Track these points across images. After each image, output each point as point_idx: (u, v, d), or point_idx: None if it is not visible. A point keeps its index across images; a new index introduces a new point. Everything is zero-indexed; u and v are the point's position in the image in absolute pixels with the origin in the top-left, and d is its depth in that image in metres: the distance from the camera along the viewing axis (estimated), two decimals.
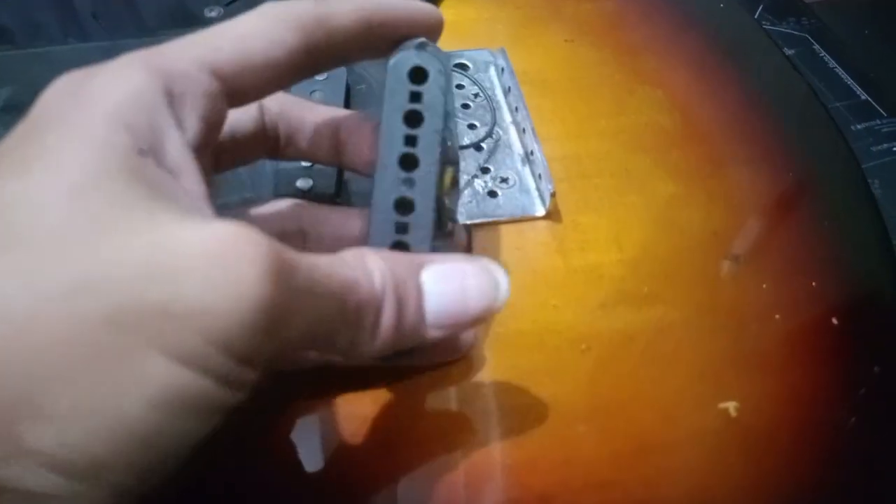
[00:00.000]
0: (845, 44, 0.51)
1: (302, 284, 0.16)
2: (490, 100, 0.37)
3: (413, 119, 0.20)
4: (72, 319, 0.13)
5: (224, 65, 0.18)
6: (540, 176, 0.33)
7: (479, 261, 0.21)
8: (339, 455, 0.25)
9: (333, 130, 0.25)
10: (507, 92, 0.38)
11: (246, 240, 0.15)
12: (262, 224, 0.17)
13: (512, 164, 0.35)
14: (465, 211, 0.32)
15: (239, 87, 0.19)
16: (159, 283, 0.14)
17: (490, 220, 0.32)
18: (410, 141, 0.20)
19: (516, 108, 0.36)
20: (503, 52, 0.39)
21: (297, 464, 0.25)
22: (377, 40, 0.21)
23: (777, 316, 0.30)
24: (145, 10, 0.41)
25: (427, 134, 0.19)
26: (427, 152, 0.19)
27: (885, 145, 0.44)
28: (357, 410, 0.26)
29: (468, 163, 0.34)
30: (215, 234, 0.15)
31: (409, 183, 0.19)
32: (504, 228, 0.32)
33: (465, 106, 0.37)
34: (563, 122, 0.37)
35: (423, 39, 0.21)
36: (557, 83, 0.39)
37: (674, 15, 0.45)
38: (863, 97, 0.47)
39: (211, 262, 0.14)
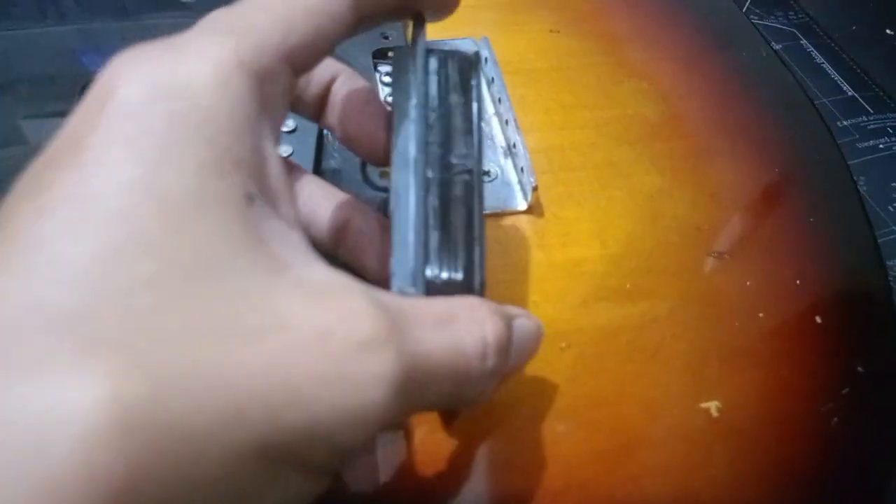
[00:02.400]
0: (833, 39, 0.51)
1: (422, 377, 0.15)
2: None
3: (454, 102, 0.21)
4: (226, 454, 0.11)
5: (297, 50, 0.16)
6: (522, 169, 0.32)
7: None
8: None
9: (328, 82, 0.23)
10: (490, 82, 0.37)
11: (369, 330, 0.13)
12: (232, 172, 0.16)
13: (494, 156, 0.34)
14: None
15: (303, 68, 0.17)
16: (296, 402, 0.12)
17: None
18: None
19: (499, 100, 0.35)
20: (486, 41, 0.38)
21: None
22: (408, 4, 0.20)
23: (761, 314, 0.29)
24: None
25: (466, 113, 0.21)
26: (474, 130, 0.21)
27: (871, 142, 0.44)
28: None
29: None
30: (334, 316, 0.13)
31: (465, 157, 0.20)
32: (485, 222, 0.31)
33: None
34: (547, 113, 0.37)
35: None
36: (542, 73, 0.39)
37: (661, 6, 0.45)
38: (849, 93, 0.47)
39: (333, 366, 0.13)
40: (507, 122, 0.34)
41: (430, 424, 0.25)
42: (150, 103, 0.14)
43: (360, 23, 0.18)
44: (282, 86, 0.16)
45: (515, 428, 0.26)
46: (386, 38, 0.38)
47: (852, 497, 0.26)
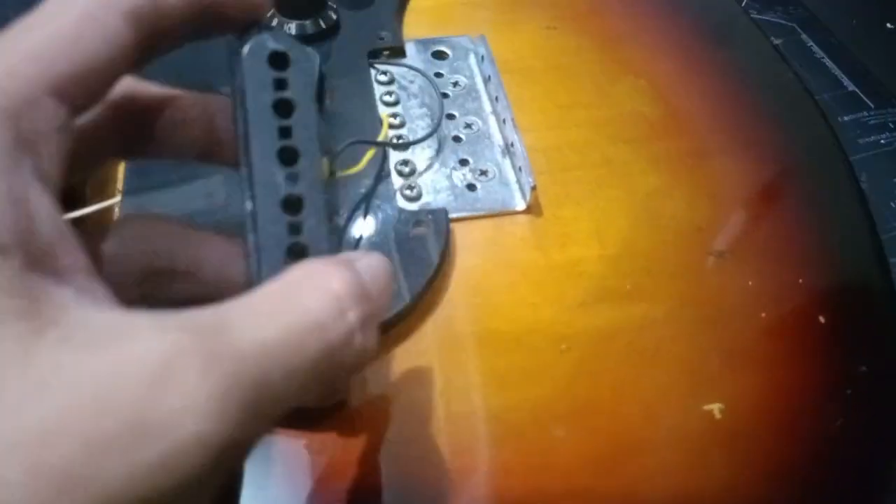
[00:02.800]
0: (833, 33, 0.50)
1: (265, 373, 0.13)
2: (470, 89, 0.36)
3: (284, 108, 0.17)
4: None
5: (65, 80, 0.14)
6: (520, 168, 0.32)
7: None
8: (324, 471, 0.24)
9: (208, 117, 0.19)
10: (486, 81, 0.36)
11: (157, 362, 0.12)
12: (125, 261, 0.14)
13: (492, 155, 0.33)
14: (443, 205, 0.31)
15: (80, 101, 0.15)
16: (92, 476, 0.11)
17: (468, 214, 0.31)
18: (285, 133, 0.17)
19: (496, 98, 0.35)
20: (483, 39, 0.37)
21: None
22: (207, 19, 0.17)
23: (763, 314, 0.29)
24: None
25: (302, 122, 0.17)
26: (307, 143, 0.17)
27: (873, 137, 0.43)
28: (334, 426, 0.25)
29: (446, 154, 0.33)
30: (112, 360, 0.12)
31: (293, 178, 0.17)
32: (482, 223, 0.31)
33: (445, 95, 0.36)
34: (544, 111, 0.36)
35: (270, 24, 0.19)
36: (539, 72, 0.38)
37: (659, 3, 0.44)
38: (850, 88, 0.46)
39: (125, 419, 0.11)
40: (504, 120, 0.34)
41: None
42: None
43: (147, 44, 0.16)
44: (49, 122, 0.14)
45: (515, 431, 0.25)
46: (381, 38, 0.37)
47: (855, 497, 0.26)
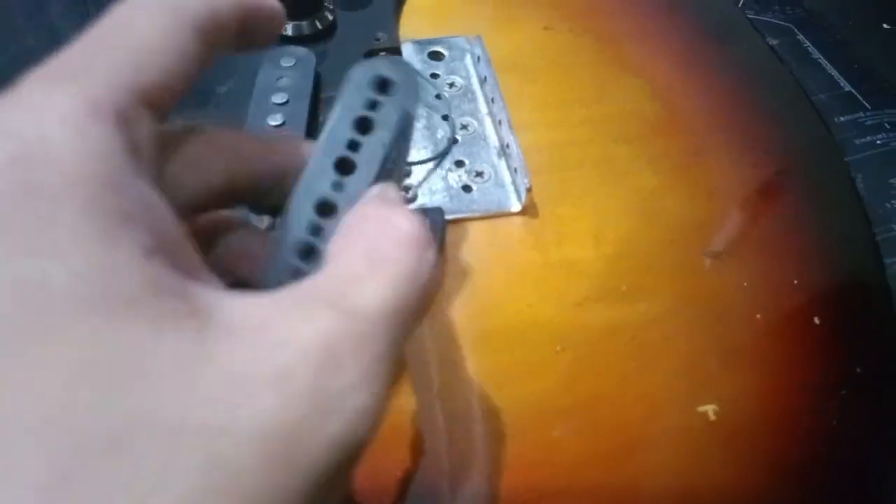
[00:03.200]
0: (830, 34, 0.50)
1: (395, 322, 0.14)
2: (466, 90, 0.36)
3: (363, 125, 0.18)
4: None
5: (152, 89, 0.14)
6: (516, 170, 0.32)
7: None
8: None
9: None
10: (483, 81, 0.36)
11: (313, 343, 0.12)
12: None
13: (487, 156, 0.33)
14: (439, 206, 0.31)
15: (160, 109, 0.15)
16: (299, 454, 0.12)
17: (464, 215, 0.31)
18: (353, 146, 0.18)
19: (492, 99, 0.35)
20: (480, 39, 0.37)
21: None
22: (250, 31, 0.17)
23: (758, 315, 0.29)
24: None
25: (373, 144, 0.18)
26: (367, 162, 0.18)
27: (869, 138, 0.43)
28: None
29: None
30: (307, 346, 0.12)
31: (338, 187, 0.18)
32: (478, 224, 0.31)
33: (438, 97, 0.36)
34: (541, 111, 0.36)
35: (395, 57, 0.20)
36: (536, 71, 0.38)
37: (657, 2, 0.44)
38: (846, 89, 0.46)
39: (301, 407, 0.12)
40: (500, 122, 0.34)
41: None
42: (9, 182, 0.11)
43: (209, 55, 0.16)
44: (146, 131, 0.14)
45: (516, 429, 0.25)
46: (378, 39, 0.37)
47: (851, 499, 0.26)
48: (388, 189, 0.17)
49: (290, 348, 0.12)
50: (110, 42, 0.15)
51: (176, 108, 0.16)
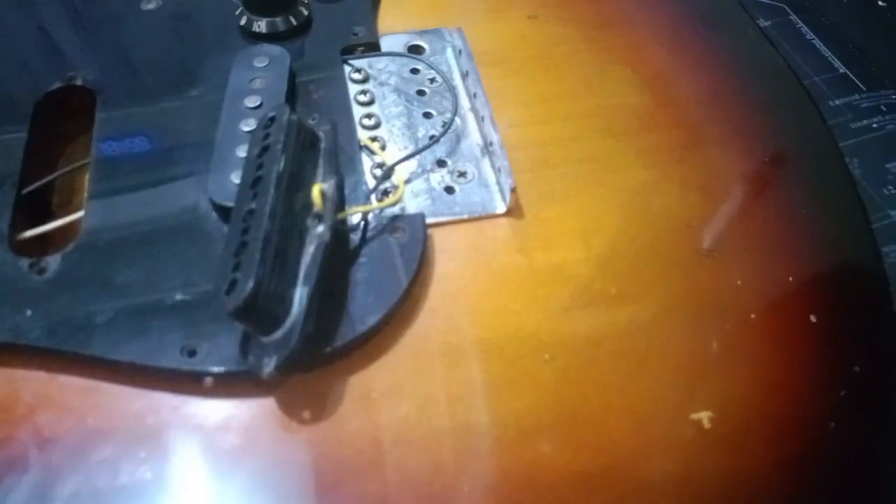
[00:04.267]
0: (824, 14, 0.49)
1: None
2: (447, 85, 0.34)
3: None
4: None
5: None
6: (500, 169, 0.31)
7: None
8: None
9: None
10: (464, 76, 0.35)
11: None
12: None
13: (470, 155, 0.32)
14: (421, 209, 0.30)
15: None
16: None
17: (447, 219, 0.30)
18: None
19: (475, 94, 0.34)
20: (460, 32, 0.36)
21: None
22: None
23: (752, 315, 0.28)
24: None
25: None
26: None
27: (865, 121, 0.42)
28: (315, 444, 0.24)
29: (423, 155, 0.32)
30: None
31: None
32: (462, 227, 0.30)
33: (421, 93, 0.34)
34: (526, 105, 0.35)
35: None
36: (520, 63, 0.37)
37: None
38: (841, 70, 0.45)
39: None
40: (482, 118, 0.33)
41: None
42: None
43: None
44: None
45: (498, 446, 0.24)
46: (355, 34, 0.36)
47: (849, 500, 0.25)
48: None
49: None
50: None
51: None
